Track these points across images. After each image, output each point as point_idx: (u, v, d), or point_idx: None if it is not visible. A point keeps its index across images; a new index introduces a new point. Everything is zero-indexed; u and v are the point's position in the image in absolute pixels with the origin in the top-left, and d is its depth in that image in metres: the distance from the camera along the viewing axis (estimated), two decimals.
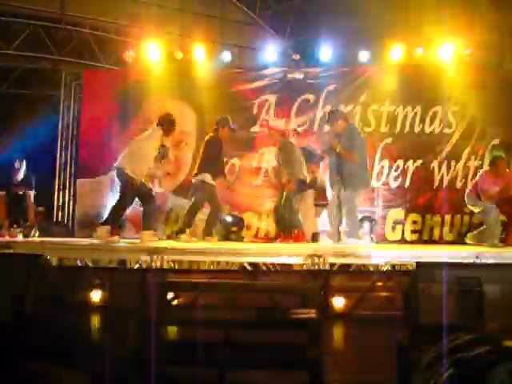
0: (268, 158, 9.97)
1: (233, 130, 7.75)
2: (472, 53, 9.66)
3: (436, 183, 9.77)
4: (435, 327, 3.43)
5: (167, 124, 7.09)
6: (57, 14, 11.35)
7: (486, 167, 8.14)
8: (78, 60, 11.21)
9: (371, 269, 7.42)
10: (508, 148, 9.69)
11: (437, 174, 9.76)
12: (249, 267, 6.86)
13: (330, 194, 7.78)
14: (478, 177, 7.76)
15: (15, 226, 8.04)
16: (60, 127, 11.35)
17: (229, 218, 9.53)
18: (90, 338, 4.94)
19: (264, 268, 7.51)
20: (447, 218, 9.50)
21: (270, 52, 10.12)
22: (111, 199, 10.08)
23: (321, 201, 8.68)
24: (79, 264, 7.14)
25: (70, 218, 10.86)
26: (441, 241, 9.30)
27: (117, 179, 7.02)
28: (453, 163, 9.75)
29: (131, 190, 6.71)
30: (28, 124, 11.05)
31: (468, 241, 7.57)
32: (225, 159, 9.82)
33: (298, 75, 10.26)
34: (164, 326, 4.43)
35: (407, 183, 9.84)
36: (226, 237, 9.15)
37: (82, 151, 10.41)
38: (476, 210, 7.59)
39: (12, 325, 3.54)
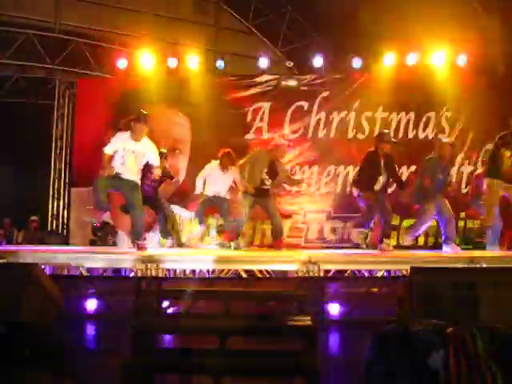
0: None
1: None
2: (465, 58, 9.71)
3: None
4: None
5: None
6: (51, 22, 11.36)
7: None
8: (72, 69, 11.20)
9: (366, 275, 7.45)
10: None
11: None
12: (244, 274, 6.87)
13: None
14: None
15: None
16: (54, 136, 11.36)
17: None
18: (83, 346, 4.91)
19: (259, 275, 7.52)
20: None
21: (264, 59, 10.14)
22: None
23: None
24: (74, 273, 7.15)
25: (65, 226, 10.84)
26: (436, 246, 9.30)
27: None
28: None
29: None
30: (22, 133, 11.04)
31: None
32: None
33: (292, 82, 10.30)
34: (159, 334, 4.41)
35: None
36: (221, 244, 9.14)
37: (76, 160, 10.40)
38: None
39: (5, 333, 3.52)
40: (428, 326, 2.98)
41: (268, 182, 7.48)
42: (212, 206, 8.33)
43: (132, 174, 6.44)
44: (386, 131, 8.03)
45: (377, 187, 7.37)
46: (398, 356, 2.86)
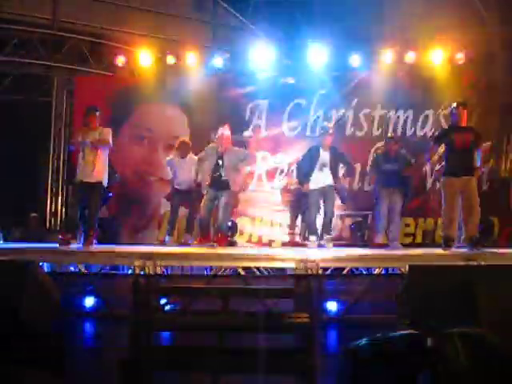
0: (261, 162, 10.02)
1: None
2: (464, 57, 9.70)
3: (428, 186, 9.80)
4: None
5: None
6: (48, 20, 11.32)
7: None
8: (70, 66, 11.17)
9: (364, 272, 7.46)
10: (500, 150, 9.77)
11: (429, 177, 9.79)
12: (242, 272, 6.87)
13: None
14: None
15: None
16: (52, 133, 11.33)
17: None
18: (82, 344, 4.92)
19: (257, 273, 7.53)
20: (440, 221, 9.50)
21: (262, 57, 10.11)
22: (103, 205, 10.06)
23: None
24: (72, 270, 7.15)
25: (63, 224, 10.81)
26: (434, 244, 9.30)
27: None
28: None
29: None
30: (20, 131, 11.01)
31: None
32: None
33: (290, 80, 10.28)
34: (157, 332, 4.42)
35: None
36: None
37: (74, 157, 10.37)
38: None
39: (5, 333, 3.52)
40: (404, 337, 2.77)
41: (223, 173, 7.55)
42: (184, 201, 8.44)
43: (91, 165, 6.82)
44: (327, 123, 8.19)
45: (315, 181, 7.48)
46: None
